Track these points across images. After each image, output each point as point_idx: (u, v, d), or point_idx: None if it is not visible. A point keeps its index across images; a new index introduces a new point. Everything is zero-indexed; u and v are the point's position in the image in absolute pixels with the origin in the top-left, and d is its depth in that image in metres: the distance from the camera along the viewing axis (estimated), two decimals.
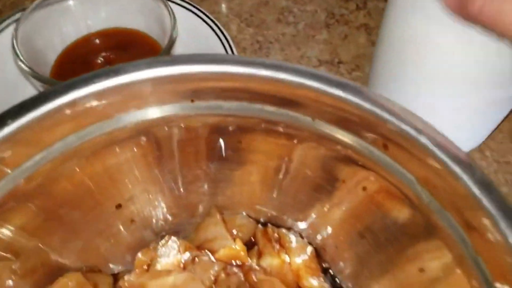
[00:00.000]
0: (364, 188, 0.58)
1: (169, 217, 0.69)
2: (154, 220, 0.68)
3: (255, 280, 0.61)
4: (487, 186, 0.41)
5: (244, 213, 0.72)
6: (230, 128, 0.58)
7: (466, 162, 0.43)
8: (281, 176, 0.65)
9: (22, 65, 0.73)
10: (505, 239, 0.39)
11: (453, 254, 0.48)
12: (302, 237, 0.69)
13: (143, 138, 0.56)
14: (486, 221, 0.41)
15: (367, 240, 0.62)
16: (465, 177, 0.42)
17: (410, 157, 0.48)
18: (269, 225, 0.69)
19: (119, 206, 0.64)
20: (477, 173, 0.42)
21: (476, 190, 0.41)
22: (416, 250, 0.55)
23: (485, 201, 0.41)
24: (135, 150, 0.57)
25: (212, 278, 0.60)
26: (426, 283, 0.55)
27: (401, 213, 0.55)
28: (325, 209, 0.65)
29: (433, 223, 0.49)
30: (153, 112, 0.53)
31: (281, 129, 0.56)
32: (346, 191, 0.61)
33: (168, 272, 0.60)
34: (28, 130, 0.45)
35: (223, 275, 0.61)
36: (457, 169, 0.43)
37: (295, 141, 0.58)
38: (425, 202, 0.50)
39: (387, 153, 0.51)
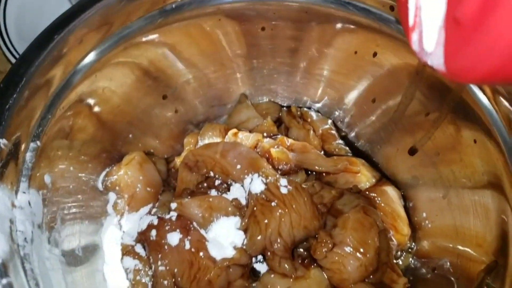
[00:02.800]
0: (375, 54, 0.69)
1: (206, 106, 0.79)
2: (193, 110, 0.78)
3: (287, 144, 0.72)
4: None
5: (266, 99, 0.83)
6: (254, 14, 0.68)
7: None
8: (303, 59, 0.76)
9: None
10: None
11: None
12: (320, 113, 0.81)
13: (195, 28, 0.66)
14: None
15: (378, 105, 0.74)
16: None
17: None
18: (292, 105, 0.80)
19: (165, 96, 0.74)
20: None
21: None
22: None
23: None
24: (189, 35, 0.67)
25: (252, 144, 0.72)
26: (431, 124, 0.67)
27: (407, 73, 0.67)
28: (340, 86, 0.77)
29: None
30: None
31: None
32: (357, 62, 0.72)
33: (216, 142, 0.72)
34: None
35: (260, 142, 0.72)
36: None
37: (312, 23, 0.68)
38: None
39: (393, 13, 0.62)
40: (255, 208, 0.61)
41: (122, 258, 0.64)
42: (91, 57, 0.60)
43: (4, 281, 0.42)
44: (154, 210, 0.69)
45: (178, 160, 0.75)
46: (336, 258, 0.60)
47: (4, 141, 0.49)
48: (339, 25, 0.68)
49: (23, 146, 0.53)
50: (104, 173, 0.69)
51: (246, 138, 0.73)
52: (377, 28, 0.66)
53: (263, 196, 0.61)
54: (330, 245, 0.59)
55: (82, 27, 0.57)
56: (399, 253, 0.70)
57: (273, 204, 0.60)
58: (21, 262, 0.47)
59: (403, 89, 0.69)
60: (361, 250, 0.59)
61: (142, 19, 0.62)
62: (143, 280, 0.63)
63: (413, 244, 0.71)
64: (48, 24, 0.55)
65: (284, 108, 0.81)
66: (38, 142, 0.55)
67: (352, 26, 0.67)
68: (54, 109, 0.57)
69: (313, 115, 0.79)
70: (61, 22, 0.56)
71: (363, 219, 0.61)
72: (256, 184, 0.62)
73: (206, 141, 0.75)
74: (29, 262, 0.48)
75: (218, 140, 0.75)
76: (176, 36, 0.68)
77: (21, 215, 0.50)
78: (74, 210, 0.63)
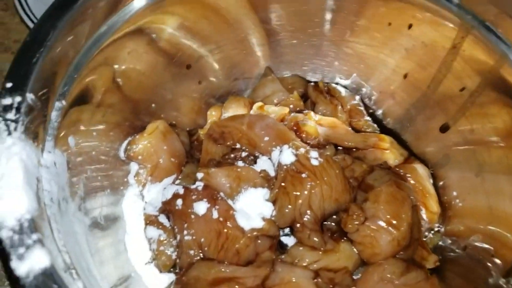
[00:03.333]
0: (410, 26, 0.67)
1: (229, 79, 0.77)
2: (216, 82, 0.76)
3: (315, 119, 0.70)
4: None
5: (290, 73, 0.80)
6: None
7: None
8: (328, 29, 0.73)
9: None
10: None
11: None
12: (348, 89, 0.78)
13: None
14: None
15: (410, 80, 0.72)
16: None
17: None
18: (319, 81, 0.78)
19: (188, 66, 0.72)
20: None
21: None
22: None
23: None
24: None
25: (279, 117, 0.70)
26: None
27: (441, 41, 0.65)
28: (370, 60, 0.74)
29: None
30: None
31: None
32: (390, 34, 0.69)
33: (242, 114, 0.69)
34: None
35: (287, 116, 0.70)
36: None
37: None
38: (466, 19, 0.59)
39: None
40: (285, 180, 0.59)
41: (145, 228, 0.62)
42: (119, 17, 0.58)
43: (34, 236, 0.39)
44: (177, 181, 0.67)
45: (201, 133, 0.73)
46: (368, 231, 0.58)
47: (31, 96, 0.47)
48: None
49: (49, 104, 0.51)
50: (126, 142, 0.67)
51: (272, 112, 0.71)
52: None
53: (293, 167, 0.59)
54: (362, 219, 0.57)
55: None
56: (427, 232, 0.68)
57: (303, 175, 0.58)
58: (48, 221, 0.45)
59: (438, 63, 0.67)
60: (394, 224, 0.57)
61: None
62: (167, 251, 0.61)
63: (443, 223, 0.68)
64: None
65: (311, 83, 0.79)
66: (64, 102, 0.53)
67: None
68: (80, 69, 0.55)
69: (341, 90, 0.77)
70: None
71: (396, 192, 0.59)
72: (286, 156, 0.60)
73: (230, 114, 0.73)
74: (55, 221, 0.46)
75: (242, 113, 0.73)
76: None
77: (47, 174, 0.48)
78: (96, 178, 0.61)
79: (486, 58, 0.61)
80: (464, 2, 0.61)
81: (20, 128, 0.45)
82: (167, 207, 0.61)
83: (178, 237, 0.59)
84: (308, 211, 0.58)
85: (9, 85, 0.46)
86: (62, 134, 0.53)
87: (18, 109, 0.45)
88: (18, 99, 0.46)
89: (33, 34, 0.50)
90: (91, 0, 0.54)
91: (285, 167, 0.60)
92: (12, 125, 0.44)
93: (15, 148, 0.43)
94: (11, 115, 0.45)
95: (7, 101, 0.46)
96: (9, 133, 0.44)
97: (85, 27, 0.54)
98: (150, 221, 0.63)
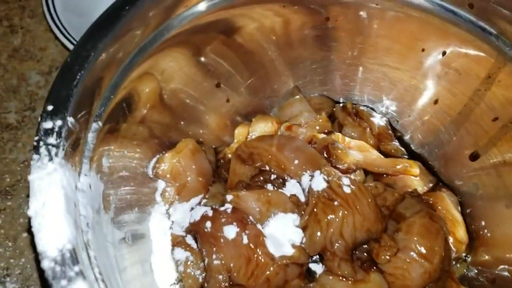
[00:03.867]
0: (444, 53, 0.66)
1: (257, 97, 0.76)
2: (244, 100, 0.75)
3: (345, 141, 0.69)
4: None
5: (317, 93, 0.80)
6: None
7: None
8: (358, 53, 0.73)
9: None
10: None
11: None
12: (376, 112, 0.78)
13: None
14: None
15: (441, 107, 0.71)
16: None
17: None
18: (347, 102, 0.77)
19: (218, 84, 0.71)
20: None
21: None
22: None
23: None
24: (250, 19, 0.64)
25: (306, 139, 0.69)
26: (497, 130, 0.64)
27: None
28: (401, 84, 0.74)
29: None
30: None
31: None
32: (423, 60, 0.69)
33: (271, 135, 0.69)
34: None
35: (315, 138, 0.70)
36: None
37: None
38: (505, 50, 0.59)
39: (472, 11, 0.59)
40: (316, 206, 0.58)
41: (173, 249, 0.62)
42: (155, 36, 0.58)
43: (76, 268, 0.39)
44: (204, 201, 0.67)
45: (228, 151, 0.72)
46: (400, 263, 0.57)
47: (71, 119, 0.47)
48: (408, 19, 0.65)
49: (87, 126, 0.50)
50: (155, 159, 0.66)
51: (301, 133, 0.71)
52: (450, 26, 0.63)
53: (325, 194, 0.59)
54: (394, 250, 0.57)
55: (151, 5, 0.55)
56: (453, 261, 0.68)
57: (335, 203, 0.58)
58: (86, 249, 0.44)
59: (471, 91, 0.67)
60: (427, 256, 0.57)
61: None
62: (194, 273, 0.60)
63: (470, 253, 0.68)
64: None
65: (340, 104, 0.78)
66: (100, 123, 0.53)
67: (423, 21, 0.64)
68: (117, 88, 0.55)
69: (371, 113, 0.76)
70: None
71: (429, 224, 0.59)
72: (318, 182, 0.60)
73: (257, 133, 0.73)
74: (91, 248, 0.46)
75: (270, 132, 0.73)
76: (238, 20, 0.66)
77: (83, 198, 0.48)
78: (125, 196, 0.61)
79: None
80: (503, 32, 0.60)
81: (61, 154, 0.44)
82: (194, 229, 0.61)
83: (206, 260, 0.59)
84: (340, 240, 0.57)
85: (49, 108, 0.46)
86: (97, 156, 0.53)
87: (59, 134, 0.45)
88: (59, 123, 0.45)
89: (73, 55, 0.49)
90: (131, 22, 0.53)
91: (316, 193, 0.59)
92: (53, 150, 0.44)
93: (56, 175, 0.43)
94: (52, 140, 0.44)
95: (48, 124, 0.45)
96: (51, 159, 0.43)
97: (125, 47, 0.54)
98: (178, 242, 0.62)
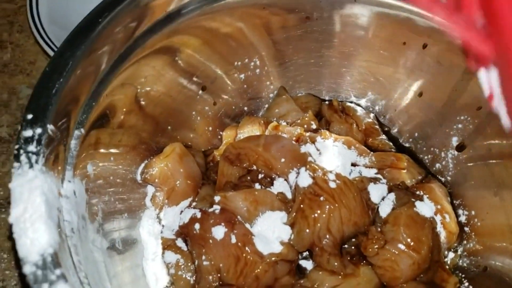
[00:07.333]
0: (425, 46, 0.66)
1: (244, 99, 0.77)
2: (231, 102, 0.76)
3: (331, 138, 0.70)
4: None
5: (304, 92, 0.80)
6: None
7: None
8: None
9: None
10: None
11: None
12: (362, 108, 0.78)
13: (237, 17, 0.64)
14: None
15: (425, 99, 0.71)
16: None
17: None
18: (333, 99, 0.78)
19: (204, 88, 0.72)
20: None
21: None
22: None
23: None
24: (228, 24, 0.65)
25: (294, 138, 0.69)
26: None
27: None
28: (384, 79, 0.74)
29: None
30: None
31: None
32: (405, 53, 0.69)
33: (258, 135, 0.69)
34: None
35: (302, 136, 0.70)
36: None
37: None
38: None
39: None
40: (302, 203, 0.59)
41: (163, 253, 0.62)
42: (136, 42, 0.58)
43: (58, 271, 0.39)
44: (194, 203, 0.67)
45: (217, 153, 0.73)
46: (388, 255, 0.57)
47: (51, 127, 0.47)
48: (388, 14, 0.66)
49: (68, 133, 0.51)
50: (143, 165, 0.67)
51: (287, 132, 0.71)
52: (429, 19, 0.63)
53: (311, 190, 0.59)
54: (382, 242, 0.57)
55: (128, 12, 0.55)
56: (446, 252, 0.68)
57: (321, 198, 0.58)
58: (69, 253, 0.45)
59: (453, 82, 0.67)
60: (415, 247, 0.57)
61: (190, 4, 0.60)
62: (185, 276, 0.61)
63: (462, 243, 0.68)
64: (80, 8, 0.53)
65: (326, 102, 0.78)
66: (82, 130, 0.53)
67: (403, 15, 0.65)
68: (99, 96, 0.55)
69: (356, 109, 0.77)
70: (107, 6, 0.54)
71: (415, 215, 0.59)
72: (304, 178, 0.60)
73: (246, 134, 0.73)
74: (76, 253, 0.46)
75: (258, 133, 0.73)
76: (218, 23, 0.66)
77: (67, 204, 0.49)
78: (114, 202, 0.62)
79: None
80: None
81: (41, 161, 0.45)
82: (184, 231, 0.61)
83: (197, 262, 0.59)
84: (327, 235, 0.57)
85: (29, 116, 0.47)
86: (81, 162, 0.53)
87: (39, 141, 0.46)
88: (38, 130, 0.46)
89: (52, 64, 0.50)
90: (109, 29, 0.54)
91: (302, 190, 0.60)
92: (33, 158, 0.45)
93: (36, 181, 0.43)
94: (32, 147, 0.45)
95: (28, 133, 0.46)
96: (31, 166, 0.44)
97: (104, 55, 0.55)
98: (168, 245, 0.62)
